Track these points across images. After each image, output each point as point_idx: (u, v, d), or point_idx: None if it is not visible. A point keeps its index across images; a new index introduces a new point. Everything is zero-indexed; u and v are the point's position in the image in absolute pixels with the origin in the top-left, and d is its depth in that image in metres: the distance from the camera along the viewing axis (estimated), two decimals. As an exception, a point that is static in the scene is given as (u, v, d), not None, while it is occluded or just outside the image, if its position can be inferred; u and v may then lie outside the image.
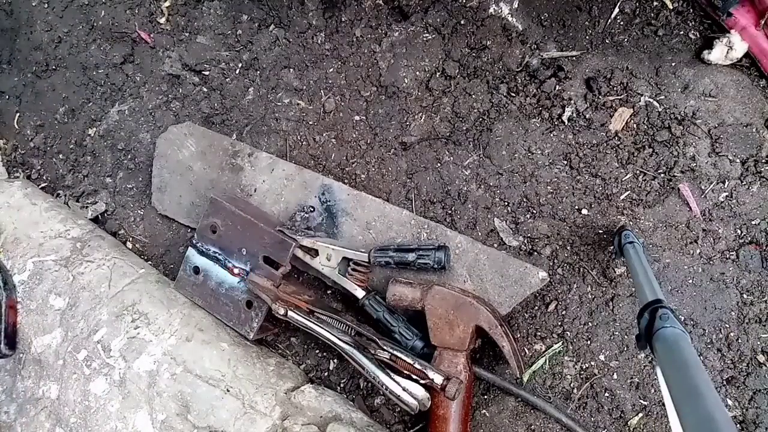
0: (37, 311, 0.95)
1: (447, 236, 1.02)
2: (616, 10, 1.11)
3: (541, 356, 1.01)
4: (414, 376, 0.88)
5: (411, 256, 0.96)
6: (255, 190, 1.10)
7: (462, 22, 1.13)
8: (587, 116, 1.07)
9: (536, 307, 1.03)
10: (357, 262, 1.00)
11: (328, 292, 1.09)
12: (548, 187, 1.06)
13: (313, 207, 1.05)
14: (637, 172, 1.04)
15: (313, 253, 1.00)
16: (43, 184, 1.21)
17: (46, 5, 1.25)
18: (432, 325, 0.93)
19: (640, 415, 0.97)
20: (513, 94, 1.10)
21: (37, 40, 1.24)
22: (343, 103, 1.14)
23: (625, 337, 1.00)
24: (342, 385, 1.03)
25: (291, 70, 1.17)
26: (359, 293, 0.99)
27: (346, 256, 1.00)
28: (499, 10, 1.13)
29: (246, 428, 0.85)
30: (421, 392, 0.89)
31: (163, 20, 1.22)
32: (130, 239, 1.15)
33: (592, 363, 0.99)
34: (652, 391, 0.98)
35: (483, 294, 0.99)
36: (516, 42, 1.11)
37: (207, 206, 1.03)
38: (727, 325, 0.98)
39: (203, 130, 1.14)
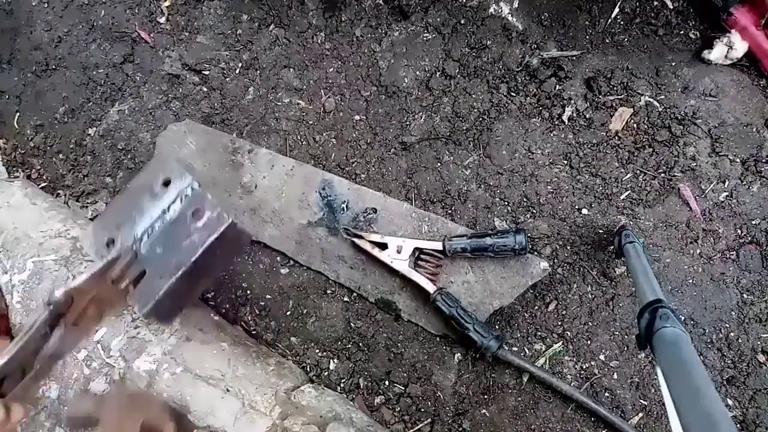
0: (38, 311, 0.95)
1: (448, 228, 1.02)
2: (616, 10, 1.11)
3: (541, 356, 1.01)
4: None
5: (489, 241, 0.95)
6: (256, 186, 1.10)
7: (462, 21, 1.13)
8: (587, 116, 1.07)
9: (536, 307, 1.03)
10: (428, 252, 1.00)
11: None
12: (548, 187, 1.06)
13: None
14: (637, 171, 1.04)
15: (382, 246, 1.00)
16: (43, 184, 1.21)
17: (46, 5, 1.25)
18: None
19: (640, 414, 0.97)
20: (513, 94, 1.10)
21: (37, 40, 1.24)
22: (343, 103, 1.14)
23: (625, 337, 1.00)
24: (342, 385, 1.03)
25: (291, 69, 1.17)
26: (430, 288, 0.98)
27: (418, 246, 0.99)
28: (499, 10, 1.13)
29: (246, 428, 0.85)
30: None
31: (163, 20, 1.22)
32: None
33: (592, 363, 0.99)
34: (652, 391, 0.98)
35: (485, 285, 0.99)
36: (516, 42, 1.11)
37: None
38: (727, 325, 0.98)
39: (203, 128, 1.14)
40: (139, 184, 0.87)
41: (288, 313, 1.07)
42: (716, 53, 1.05)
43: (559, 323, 1.01)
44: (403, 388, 1.02)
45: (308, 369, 1.05)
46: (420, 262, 1.01)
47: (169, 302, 0.82)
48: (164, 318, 0.86)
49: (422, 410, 1.00)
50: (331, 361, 1.05)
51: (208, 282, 0.96)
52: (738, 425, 0.96)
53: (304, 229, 1.08)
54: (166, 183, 0.85)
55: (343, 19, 1.17)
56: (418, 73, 1.13)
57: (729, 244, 1.01)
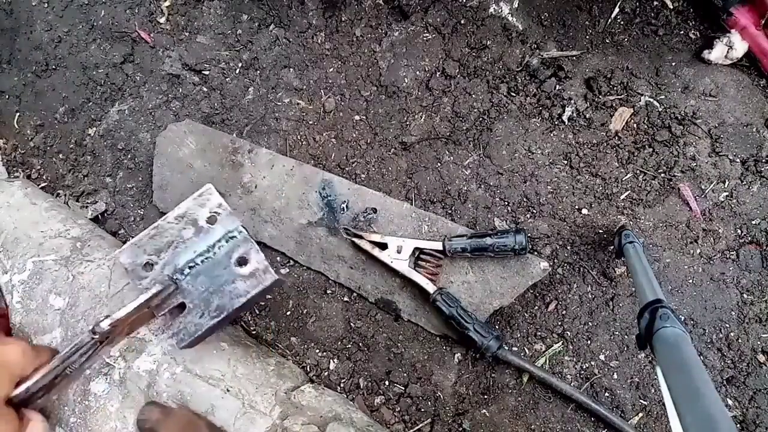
0: (37, 311, 0.95)
1: (449, 227, 1.02)
2: (616, 9, 1.11)
3: (541, 356, 1.01)
4: None
5: (489, 241, 0.95)
6: (256, 186, 1.10)
7: (462, 21, 1.13)
8: (587, 116, 1.07)
9: (536, 307, 1.03)
10: (428, 252, 1.00)
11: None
12: (548, 187, 1.06)
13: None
14: (637, 171, 1.04)
15: (382, 246, 1.00)
16: (43, 184, 1.21)
17: (46, 5, 1.25)
18: None
19: (640, 415, 0.97)
20: (513, 94, 1.10)
21: (37, 40, 1.24)
22: (343, 103, 1.14)
23: (625, 337, 1.00)
24: (342, 385, 1.03)
25: (291, 69, 1.17)
26: (430, 288, 0.98)
27: (418, 246, 1.00)
28: (500, 10, 1.13)
29: (246, 428, 0.85)
30: None
31: (163, 20, 1.22)
32: (130, 239, 1.15)
33: (592, 363, 0.99)
34: (652, 391, 0.98)
35: (485, 285, 0.99)
36: (516, 42, 1.11)
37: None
38: (727, 325, 0.98)
39: (203, 128, 1.14)
40: (181, 212, 0.89)
41: (288, 313, 1.07)
42: (716, 53, 1.05)
43: (559, 323, 1.01)
44: (403, 388, 1.02)
45: (308, 369, 1.05)
46: (420, 262, 1.01)
47: (201, 337, 0.86)
48: (190, 346, 0.89)
49: (422, 410, 1.00)
50: (331, 361, 1.05)
51: (230, 322, 1.00)
52: (738, 425, 0.96)
53: (304, 228, 1.08)
54: (212, 220, 0.88)
55: (343, 19, 1.17)
56: (418, 73, 1.13)
57: (729, 244, 1.01)
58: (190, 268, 0.86)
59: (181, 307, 0.86)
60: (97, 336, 0.78)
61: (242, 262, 0.87)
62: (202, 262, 0.87)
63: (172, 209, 0.92)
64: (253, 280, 0.85)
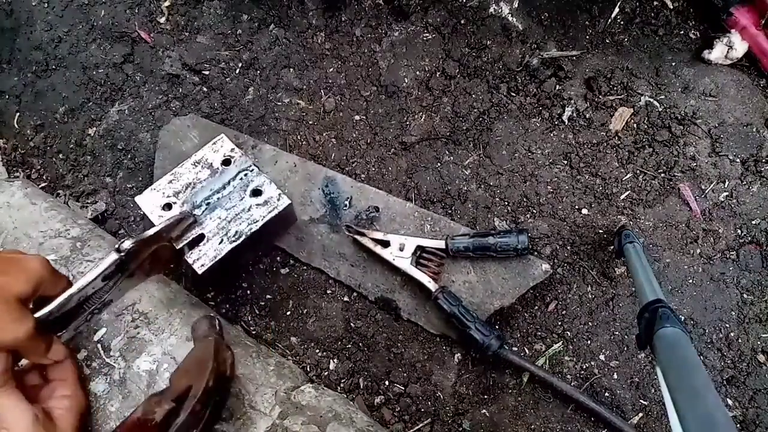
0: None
1: (451, 227, 1.02)
2: (616, 9, 1.11)
3: (541, 356, 1.01)
4: None
5: (491, 240, 0.95)
6: (258, 184, 1.10)
7: (462, 21, 1.13)
8: (587, 116, 1.07)
9: (536, 307, 1.03)
10: (430, 251, 1.00)
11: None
12: (548, 187, 1.06)
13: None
14: (637, 171, 1.04)
15: (384, 243, 1.01)
16: (43, 184, 1.21)
17: (46, 5, 1.25)
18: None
19: (640, 414, 0.97)
20: (513, 94, 1.10)
21: (37, 40, 1.24)
22: (343, 103, 1.14)
23: (625, 337, 1.00)
24: (342, 385, 1.03)
25: (291, 69, 1.17)
26: (432, 286, 0.98)
27: (421, 245, 1.00)
28: (499, 10, 1.13)
29: (246, 428, 0.85)
30: None
31: (163, 20, 1.22)
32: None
33: (592, 363, 0.99)
34: (652, 391, 0.98)
35: (486, 285, 0.99)
36: (516, 42, 1.11)
37: None
38: (727, 325, 0.98)
39: (206, 123, 1.14)
40: (197, 158, 0.96)
41: (288, 313, 1.07)
42: (716, 53, 1.05)
43: (559, 323, 1.01)
44: (403, 388, 1.02)
45: (308, 369, 1.05)
46: (422, 261, 1.01)
47: (219, 266, 0.91)
48: (211, 273, 0.92)
49: (422, 410, 1.00)
50: (331, 361, 1.05)
51: (252, 254, 1.04)
52: (738, 425, 0.96)
53: (306, 225, 1.08)
54: (226, 162, 0.95)
55: (343, 19, 1.17)
56: (418, 73, 1.13)
57: (729, 244, 1.01)
58: (207, 204, 0.92)
59: (200, 239, 0.90)
60: (122, 254, 0.77)
61: (256, 193, 0.93)
62: (218, 198, 0.93)
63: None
64: (268, 206, 0.92)
